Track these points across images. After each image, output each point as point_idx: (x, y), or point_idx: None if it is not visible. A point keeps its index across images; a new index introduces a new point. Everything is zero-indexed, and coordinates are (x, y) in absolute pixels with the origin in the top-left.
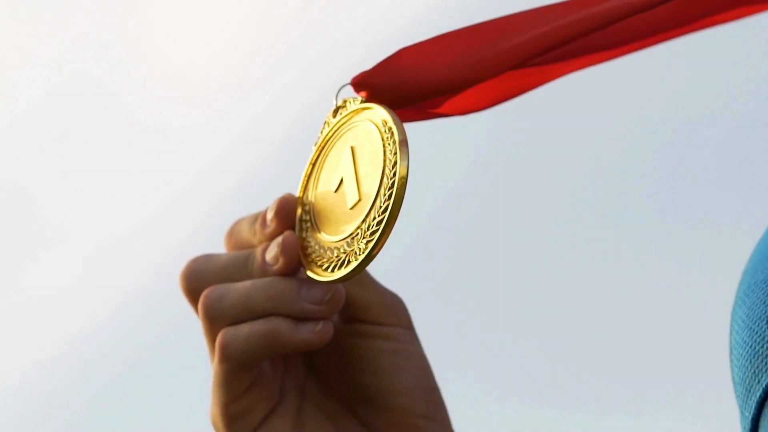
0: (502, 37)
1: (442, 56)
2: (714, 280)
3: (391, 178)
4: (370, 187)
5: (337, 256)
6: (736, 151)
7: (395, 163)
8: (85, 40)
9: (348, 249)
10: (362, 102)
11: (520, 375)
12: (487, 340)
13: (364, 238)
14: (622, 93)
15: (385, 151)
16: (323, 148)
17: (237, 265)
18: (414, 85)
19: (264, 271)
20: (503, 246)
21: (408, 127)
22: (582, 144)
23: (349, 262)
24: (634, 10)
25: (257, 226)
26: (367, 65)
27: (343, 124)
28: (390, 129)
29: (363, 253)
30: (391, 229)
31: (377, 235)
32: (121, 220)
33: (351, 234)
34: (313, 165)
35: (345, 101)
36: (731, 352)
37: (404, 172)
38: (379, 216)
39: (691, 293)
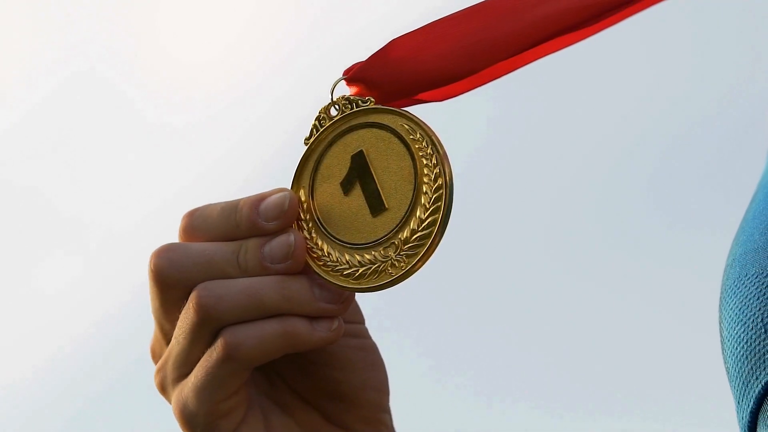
0: (495, 22)
1: (436, 46)
2: (709, 281)
3: (435, 192)
4: (400, 197)
5: (362, 264)
6: (733, 153)
7: (438, 175)
8: (93, 41)
9: (382, 259)
10: (372, 103)
11: (516, 374)
12: (478, 340)
13: (402, 251)
14: (621, 95)
15: (418, 162)
16: (318, 145)
17: (225, 258)
18: (409, 78)
19: (264, 268)
20: (496, 248)
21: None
22: (579, 148)
23: (383, 272)
24: None
25: (246, 220)
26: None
27: (344, 123)
28: (423, 138)
29: (405, 266)
30: (438, 244)
31: (423, 249)
32: (130, 217)
33: (380, 243)
34: (306, 162)
35: (344, 99)
36: (723, 344)
37: (450, 186)
38: (422, 230)
39: (686, 295)
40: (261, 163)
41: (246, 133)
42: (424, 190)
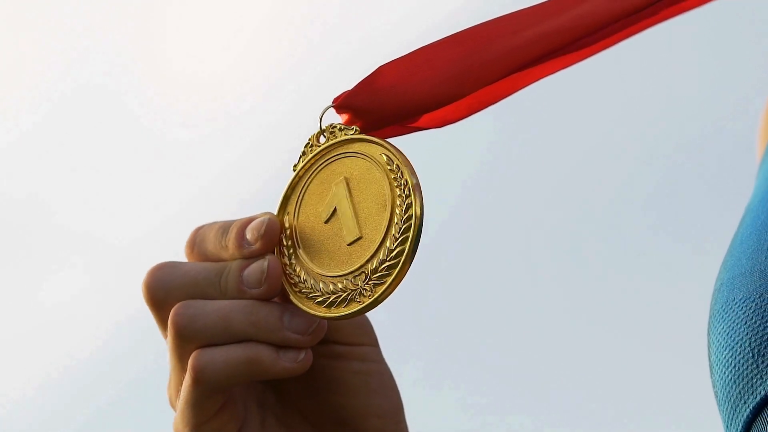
0: (483, 46)
1: (424, 71)
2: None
3: (404, 222)
4: (374, 227)
5: (334, 292)
6: (736, 167)
7: (408, 206)
8: (97, 52)
9: (352, 288)
10: (356, 132)
11: (513, 382)
12: (477, 351)
13: (371, 280)
14: (624, 105)
15: (393, 193)
16: (306, 172)
17: (208, 279)
18: (396, 105)
19: (241, 292)
20: (494, 256)
21: (398, 139)
22: (580, 160)
23: (352, 301)
24: (615, 13)
25: (231, 242)
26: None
27: (330, 151)
28: (399, 169)
29: (372, 295)
30: (405, 273)
31: (390, 278)
32: (134, 230)
33: (353, 272)
34: (293, 188)
35: (332, 127)
36: (711, 368)
37: (419, 218)
38: (390, 260)
39: (689, 308)
40: (266, 177)
41: (250, 148)
42: (395, 220)
